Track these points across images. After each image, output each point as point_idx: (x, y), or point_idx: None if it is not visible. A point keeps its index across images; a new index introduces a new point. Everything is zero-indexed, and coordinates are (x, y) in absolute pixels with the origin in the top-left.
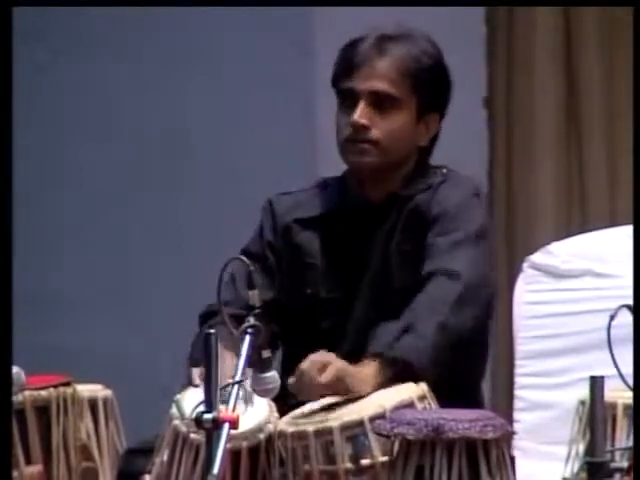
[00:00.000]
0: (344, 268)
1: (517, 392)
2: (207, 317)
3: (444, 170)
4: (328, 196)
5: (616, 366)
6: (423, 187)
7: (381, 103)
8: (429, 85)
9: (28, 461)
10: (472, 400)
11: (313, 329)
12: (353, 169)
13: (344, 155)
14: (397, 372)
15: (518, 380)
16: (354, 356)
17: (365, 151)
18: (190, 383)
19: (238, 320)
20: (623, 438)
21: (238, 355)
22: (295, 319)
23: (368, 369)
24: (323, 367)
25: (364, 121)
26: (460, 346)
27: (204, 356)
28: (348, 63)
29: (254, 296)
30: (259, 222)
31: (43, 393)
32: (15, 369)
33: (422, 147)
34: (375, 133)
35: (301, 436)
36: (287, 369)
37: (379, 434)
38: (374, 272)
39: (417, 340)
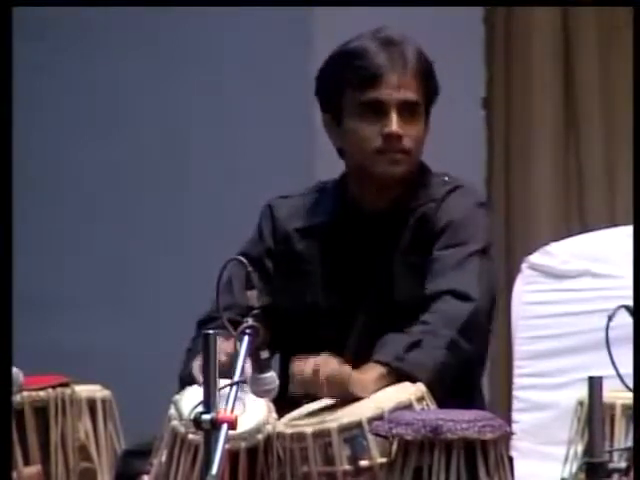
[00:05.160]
0: (345, 277)
1: (516, 393)
2: (204, 323)
3: (446, 177)
4: (328, 203)
5: (614, 367)
6: (429, 197)
7: (408, 111)
8: (432, 84)
9: (26, 461)
10: (473, 398)
11: (313, 338)
12: (381, 179)
13: (373, 166)
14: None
15: (517, 381)
16: (355, 367)
17: (397, 161)
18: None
19: (235, 326)
20: (621, 438)
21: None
22: (294, 327)
23: (371, 374)
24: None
25: (400, 131)
26: (467, 366)
27: (202, 356)
28: (364, 74)
29: (252, 297)
30: (257, 226)
31: (41, 394)
32: (14, 369)
33: None
34: (406, 142)
35: (299, 437)
36: (286, 376)
37: (377, 435)
38: (378, 282)
39: (426, 357)
